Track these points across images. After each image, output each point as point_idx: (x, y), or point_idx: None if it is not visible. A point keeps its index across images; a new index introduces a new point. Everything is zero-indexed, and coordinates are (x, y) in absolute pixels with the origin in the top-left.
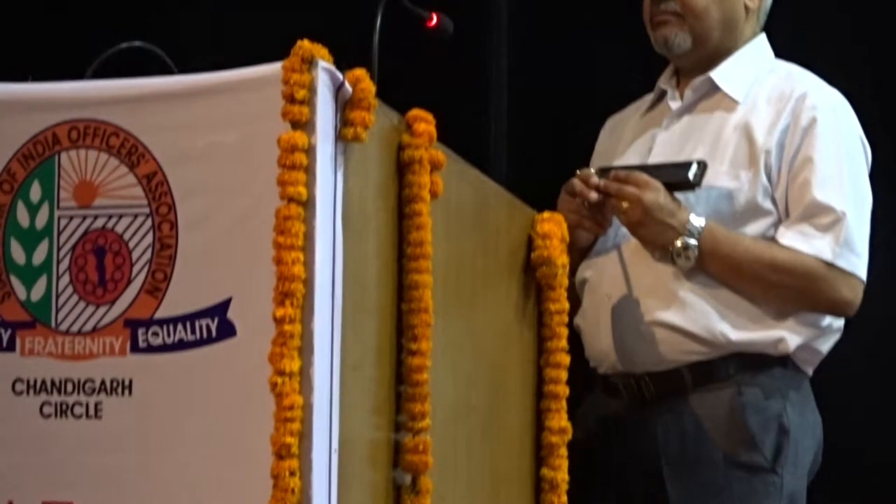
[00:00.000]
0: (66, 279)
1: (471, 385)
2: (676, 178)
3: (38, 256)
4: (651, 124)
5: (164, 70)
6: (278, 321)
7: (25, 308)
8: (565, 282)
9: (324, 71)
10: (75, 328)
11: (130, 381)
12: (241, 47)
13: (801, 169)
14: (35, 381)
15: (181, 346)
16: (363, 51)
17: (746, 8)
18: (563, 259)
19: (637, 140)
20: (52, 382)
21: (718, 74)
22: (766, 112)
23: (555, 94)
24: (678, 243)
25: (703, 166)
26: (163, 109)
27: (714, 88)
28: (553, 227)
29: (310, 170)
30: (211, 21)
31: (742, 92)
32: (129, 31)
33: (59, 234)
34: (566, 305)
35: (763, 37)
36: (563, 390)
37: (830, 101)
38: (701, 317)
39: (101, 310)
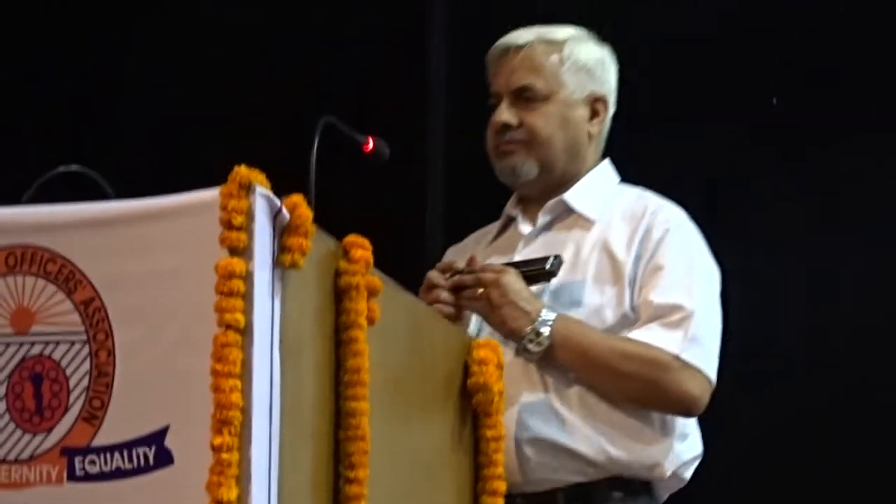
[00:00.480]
0: (2, 406)
1: None
2: (533, 268)
3: None
4: (502, 251)
5: (102, 195)
6: (216, 449)
7: None
8: (502, 408)
9: (261, 197)
10: (12, 456)
11: None
12: (178, 172)
13: (652, 276)
14: None
15: (119, 474)
16: (300, 174)
17: (589, 134)
18: (499, 385)
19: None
20: None
21: (571, 196)
22: (622, 229)
23: (493, 217)
24: (529, 329)
25: (559, 259)
26: (100, 234)
27: (568, 210)
28: (489, 353)
29: (247, 296)
30: (147, 145)
31: (596, 212)
32: (65, 156)
33: None
34: (503, 432)
35: (608, 161)
36: None
37: (681, 216)
38: (582, 434)
39: (38, 437)
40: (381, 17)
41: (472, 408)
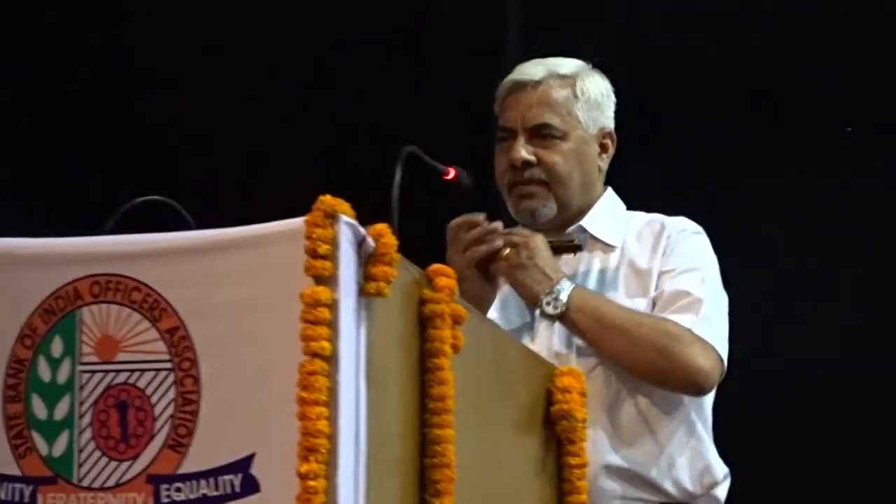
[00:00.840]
0: (87, 434)
1: None
2: (562, 239)
3: (60, 411)
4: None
5: (183, 225)
6: (303, 477)
7: (47, 464)
8: (585, 435)
9: (346, 226)
10: (97, 484)
11: None
12: (260, 202)
13: (666, 273)
14: None
15: (205, 501)
16: (381, 204)
17: (599, 168)
18: (582, 413)
19: (514, 297)
20: None
21: (590, 224)
22: (642, 248)
23: None
24: (549, 290)
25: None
26: (184, 264)
27: (588, 238)
28: (572, 381)
29: (333, 324)
30: (228, 175)
31: (615, 237)
32: (146, 186)
33: (81, 388)
34: (587, 460)
35: (611, 190)
36: None
37: (695, 226)
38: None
39: (124, 465)
40: (463, 46)
41: (555, 435)
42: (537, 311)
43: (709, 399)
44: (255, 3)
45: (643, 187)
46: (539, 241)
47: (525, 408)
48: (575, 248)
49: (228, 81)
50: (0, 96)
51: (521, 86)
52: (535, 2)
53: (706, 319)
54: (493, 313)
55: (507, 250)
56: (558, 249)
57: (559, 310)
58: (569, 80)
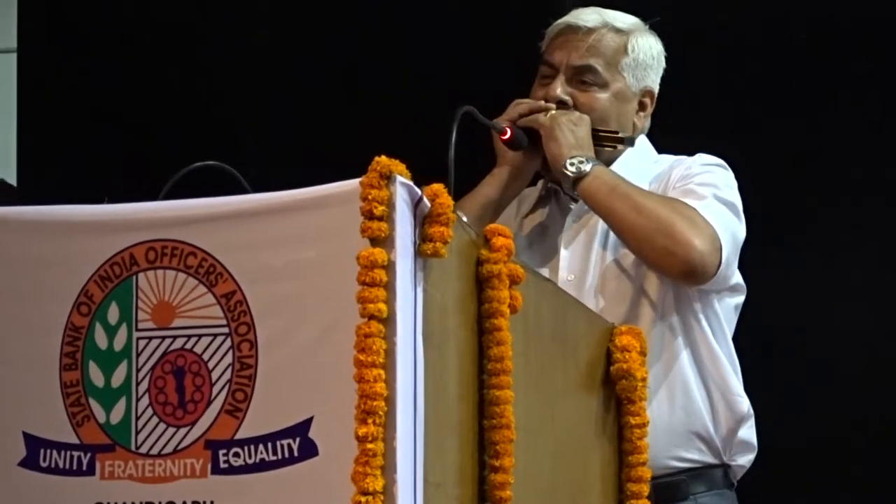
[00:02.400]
0: (145, 401)
1: (553, 501)
2: (608, 129)
3: (117, 378)
4: (547, 223)
5: (239, 189)
6: (361, 440)
7: (105, 431)
8: (645, 395)
9: (402, 186)
10: (155, 450)
11: (212, 503)
12: (314, 164)
13: (679, 186)
14: None
15: (263, 466)
16: (437, 164)
17: (634, 125)
18: (642, 372)
19: (540, 237)
20: None
21: (619, 168)
22: (662, 186)
23: None
24: (576, 156)
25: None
26: (240, 228)
27: None
28: (632, 339)
29: (389, 286)
30: (283, 139)
31: (642, 181)
32: (202, 151)
33: (138, 355)
34: (646, 419)
35: (644, 138)
36: None
37: (712, 158)
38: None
39: (182, 431)
40: (519, 10)
41: (615, 395)
42: (562, 247)
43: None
44: None
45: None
46: (587, 119)
47: (584, 367)
48: (618, 140)
49: (281, 45)
50: (55, 66)
51: (573, 29)
52: None
53: (713, 208)
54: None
55: (555, 111)
56: (599, 137)
57: (580, 173)
58: (623, 34)
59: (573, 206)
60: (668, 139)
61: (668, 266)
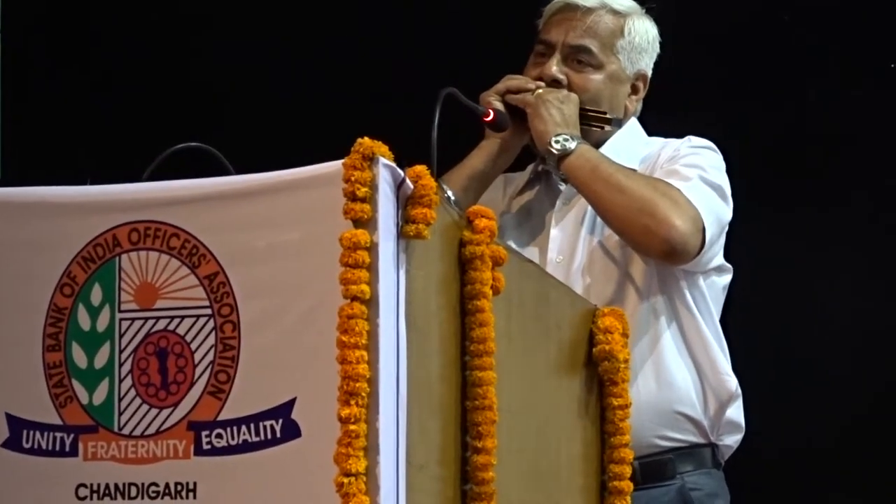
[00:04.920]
0: (128, 382)
1: (535, 482)
2: (595, 109)
3: (100, 360)
4: (537, 204)
5: (221, 170)
6: (343, 421)
7: (87, 412)
8: (628, 376)
9: (385, 168)
10: (138, 431)
11: (195, 484)
12: (298, 147)
13: (666, 166)
14: (98, 486)
15: (245, 447)
16: (421, 145)
17: (626, 109)
18: (624, 354)
19: (529, 218)
20: (116, 487)
21: (607, 150)
22: (650, 167)
23: None
24: (561, 133)
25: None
26: (223, 209)
27: None
28: (614, 321)
29: (372, 268)
30: (265, 121)
31: (634, 162)
32: (184, 132)
33: (121, 336)
34: (629, 401)
35: (635, 120)
36: (628, 486)
37: (709, 143)
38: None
39: (164, 412)
40: None
41: (597, 376)
42: (551, 228)
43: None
44: None
45: None
46: (575, 98)
47: (567, 349)
48: (605, 120)
49: (263, 26)
50: (38, 52)
51: (572, 8)
52: None
53: (697, 189)
54: (508, 231)
55: (543, 89)
56: (587, 117)
57: (564, 151)
58: (620, 16)
59: (563, 188)
60: (660, 123)
61: (649, 245)
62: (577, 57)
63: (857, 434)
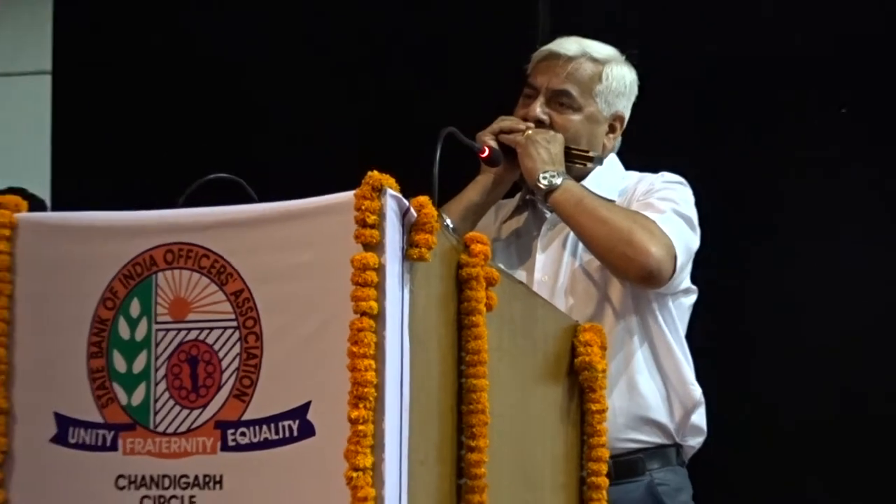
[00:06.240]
0: (162, 385)
1: (523, 478)
2: (579, 148)
3: (138, 365)
4: (523, 230)
5: (246, 198)
6: (353, 422)
7: (126, 412)
8: (605, 385)
9: (391, 198)
10: (171, 429)
11: (221, 477)
12: (314, 178)
13: (642, 200)
14: (136, 477)
15: (266, 444)
16: (424, 178)
17: (604, 146)
18: (602, 364)
19: (517, 241)
20: (151, 478)
21: (591, 183)
22: (627, 200)
23: None
24: (548, 171)
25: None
26: (248, 233)
27: None
28: (594, 335)
29: (380, 286)
30: (287, 154)
31: (613, 194)
32: (216, 164)
33: (157, 345)
34: (606, 406)
35: (614, 156)
36: (604, 482)
37: (680, 178)
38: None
39: (195, 413)
40: (498, 43)
41: (578, 384)
42: (538, 251)
43: (681, 321)
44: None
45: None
46: (561, 138)
47: (551, 360)
48: (587, 158)
49: (290, 78)
50: (87, 87)
51: (556, 56)
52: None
53: (670, 221)
54: (498, 253)
55: (532, 130)
56: (571, 155)
57: (551, 187)
58: (599, 64)
59: (548, 215)
60: (637, 157)
61: (628, 271)
62: (559, 100)
63: (810, 434)
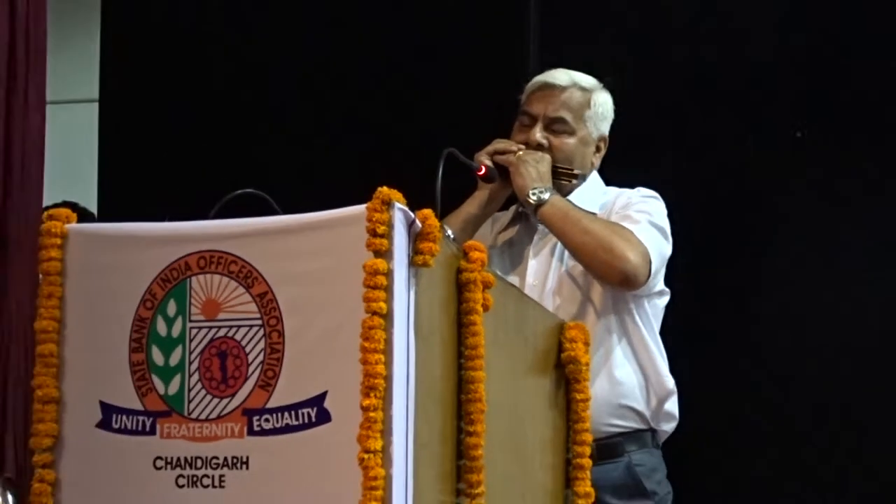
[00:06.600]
0: (196, 377)
1: (515, 460)
2: (565, 167)
3: (174, 359)
4: (516, 241)
5: (271, 211)
6: (365, 409)
7: (163, 400)
8: (588, 376)
9: (399, 211)
10: (203, 416)
11: (248, 458)
12: (331, 192)
13: (619, 213)
14: (171, 459)
15: (288, 429)
16: (427, 193)
17: (591, 164)
18: (586, 358)
19: (511, 249)
20: (185, 459)
21: (576, 199)
22: (607, 214)
23: None
24: (537, 188)
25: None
26: (272, 242)
27: None
28: (578, 332)
29: (388, 289)
30: (306, 172)
31: (595, 207)
32: (244, 180)
33: (191, 341)
34: (589, 395)
35: (596, 173)
36: (588, 462)
37: (654, 193)
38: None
39: (224, 401)
40: (491, 67)
41: (564, 376)
42: (530, 258)
43: (655, 316)
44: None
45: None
46: (549, 158)
47: (540, 354)
48: (572, 176)
49: (313, 103)
50: (132, 115)
51: (550, 86)
52: (551, 31)
53: (646, 231)
54: (494, 260)
55: (523, 151)
56: (558, 173)
57: (540, 202)
58: (587, 92)
59: (539, 226)
60: (617, 174)
61: (608, 275)
62: (556, 126)
63: (778, 420)
